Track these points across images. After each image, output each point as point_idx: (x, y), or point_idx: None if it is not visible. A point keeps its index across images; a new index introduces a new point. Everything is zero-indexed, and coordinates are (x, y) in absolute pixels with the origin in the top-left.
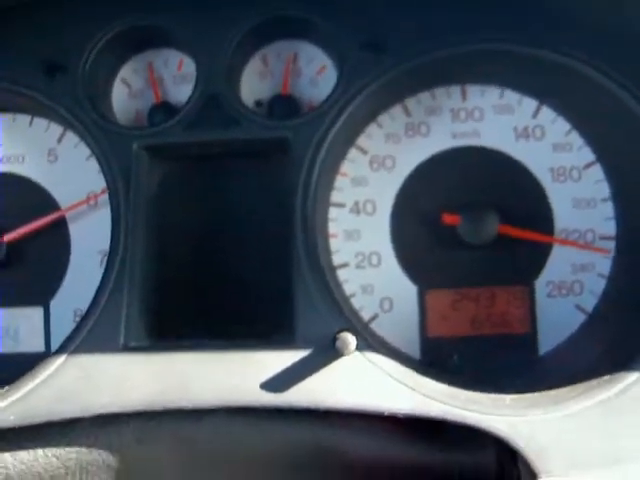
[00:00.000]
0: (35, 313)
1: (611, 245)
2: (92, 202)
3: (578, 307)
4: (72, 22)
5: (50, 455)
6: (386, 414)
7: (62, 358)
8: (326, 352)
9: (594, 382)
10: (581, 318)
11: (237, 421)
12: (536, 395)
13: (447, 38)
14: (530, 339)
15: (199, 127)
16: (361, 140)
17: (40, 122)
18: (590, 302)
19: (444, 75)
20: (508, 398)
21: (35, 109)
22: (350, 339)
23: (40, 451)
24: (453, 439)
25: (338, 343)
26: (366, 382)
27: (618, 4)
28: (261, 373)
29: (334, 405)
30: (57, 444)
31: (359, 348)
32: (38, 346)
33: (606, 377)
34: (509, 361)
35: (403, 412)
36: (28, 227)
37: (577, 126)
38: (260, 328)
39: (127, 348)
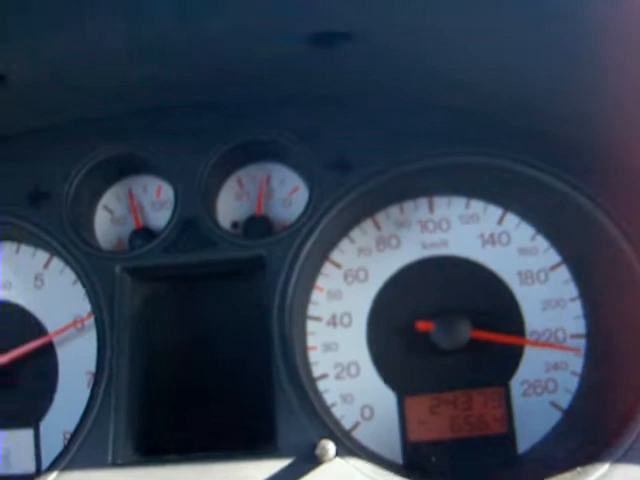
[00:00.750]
0: (25, 435)
1: (582, 343)
2: (79, 325)
3: (553, 404)
4: (54, 152)
5: None
6: None
7: (50, 478)
8: (307, 460)
9: (567, 475)
10: (557, 415)
11: None
12: None
13: (409, 155)
14: (508, 438)
15: (178, 249)
16: (334, 255)
17: (26, 249)
18: (565, 399)
19: (411, 189)
20: None
21: (21, 236)
22: (329, 445)
23: None
24: None
25: (317, 450)
26: None
27: (581, 118)
28: None
29: None
30: None
31: (340, 454)
32: (29, 467)
33: (578, 469)
34: (489, 461)
35: None
36: (16, 352)
37: (541, 230)
38: (244, 440)
39: (115, 465)
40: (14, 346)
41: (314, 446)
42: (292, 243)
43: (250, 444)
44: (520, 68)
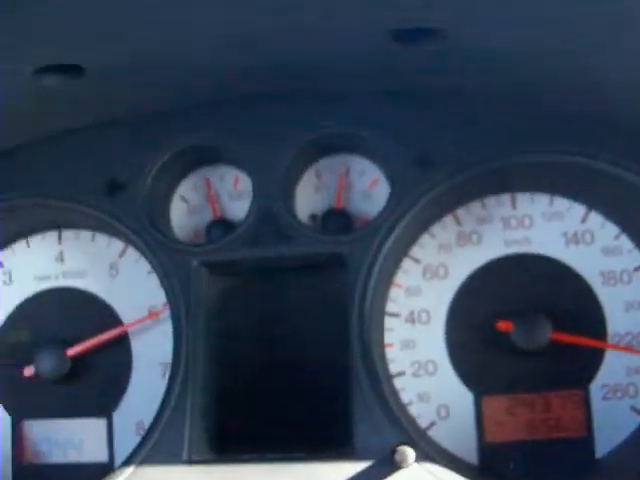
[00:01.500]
0: (99, 424)
1: None
2: (152, 313)
3: (634, 409)
4: (132, 142)
5: None
6: None
7: (127, 473)
8: (385, 464)
9: None
10: (637, 420)
11: None
12: None
13: (493, 150)
14: (587, 442)
15: (256, 243)
16: (414, 251)
17: (102, 238)
18: None
19: (493, 185)
20: None
21: (97, 226)
22: (408, 452)
23: None
24: None
25: (397, 456)
26: None
27: None
28: None
29: None
30: None
31: (417, 459)
32: (101, 457)
33: None
34: (566, 465)
35: None
36: (91, 342)
37: (626, 230)
38: (320, 440)
39: (190, 462)
40: (89, 335)
41: (391, 448)
42: (373, 241)
43: (326, 444)
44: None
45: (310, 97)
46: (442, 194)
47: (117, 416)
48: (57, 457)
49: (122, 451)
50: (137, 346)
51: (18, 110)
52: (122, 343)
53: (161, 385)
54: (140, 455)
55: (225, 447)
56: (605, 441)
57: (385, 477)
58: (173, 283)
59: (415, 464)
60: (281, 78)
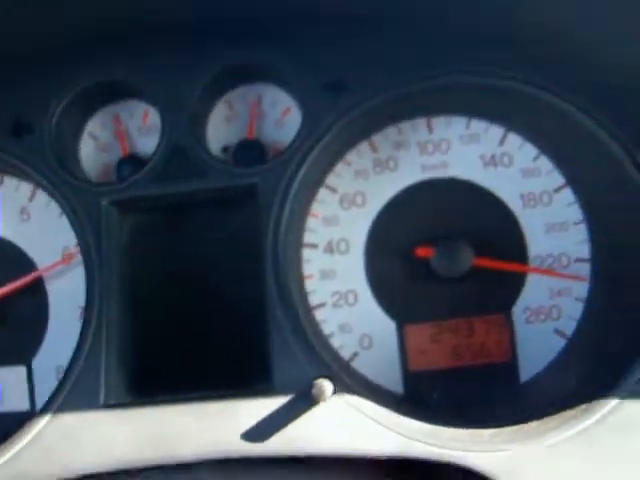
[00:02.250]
0: (18, 372)
1: (586, 268)
2: (65, 256)
3: (557, 331)
4: (36, 80)
5: None
6: (369, 457)
7: (45, 419)
8: (304, 399)
9: (572, 412)
10: (561, 343)
11: (222, 472)
12: (515, 428)
13: (407, 74)
14: (511, 367)
15: (167, 179)
16: (330, 179)
17: (11, 181)
18: (569, 326)
19: (409, 109)
20: (487, 433)
21: (5, 169)
22: (326, 385)
23: None
24: (437, 477)
25: (314, 390)
26: (347, 426)
27: (584, 40)
28: (241, 424)
29: (316, 451)
30: None
31: (338, 391)
32: (23, 405)
33: (584, 406)
34: (491, 391)
35: (385, 454)
36: (6, 288)
37: (545, 151)
38: (239, 377)
39: (108, 406)
40: (2, 281)
41: (311, 383)
42: (285, 170)
43: (245, 381)
44: None
45: (217, 26)
46: (355, 119)
47: (36, 362)
48: None
49: (43, 398)
50: (53, 290)
51: None
52: (37, 288)
53: (79, 328)
54: (57, 401)
55: (143, 389)
56: (529, 365)
57: (305, 412)
58: (83, 224)
59: (334, 397)
60: (187, 7)
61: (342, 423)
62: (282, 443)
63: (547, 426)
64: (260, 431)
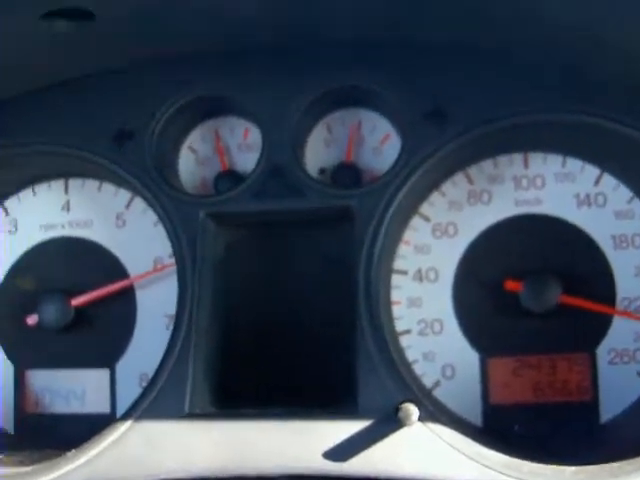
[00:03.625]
0: (101, 375)
1: None
2: (158, 267)
3: None
4: (141, 91)
5: None
6: None
7: (128, 424)
8: (388, 422)
9: None
10: None
11: None
12: (597, 467)
13: (509, 108)
14: (592, 407)
15: (265, 196)
16: (424, 208)
17: (109, 187)
18: None
19: (506, 143)
20: (569, 470)
21: (104, 175)
22: (412, 410)
23: None
24: None
25: (400, 414)
26: (428, 452)
27: None
28: (324, 442)
29: (396, 475)
30: None
31: (421, 418)
32: (104, 408)
33: None
34: (571, 429)
35: None
36: (96, 293)
37: (639, 194)
38: (324, 396)
39: (192, 415)
40: (94, 285)
41: (395, 406)
42: (383, 195)
43: (330, 401)
44: None
45: (323, 49)
46: (454, 150)
47: (120, 367)
48: (59, 407)
49: (124, 402)
50: (142, 297)
51: (28, 56)
52: (127, 294)
53: (165, 337)
54: (141, 407)
55: (227, 402)
56: (610, 406)
57: (388, 435)
58: (180, 234)
59: (419, 423)
60: (296, 29)
61: (424, 449)
62: (363, 464)
63: (630, 467)
64: (342, 451)
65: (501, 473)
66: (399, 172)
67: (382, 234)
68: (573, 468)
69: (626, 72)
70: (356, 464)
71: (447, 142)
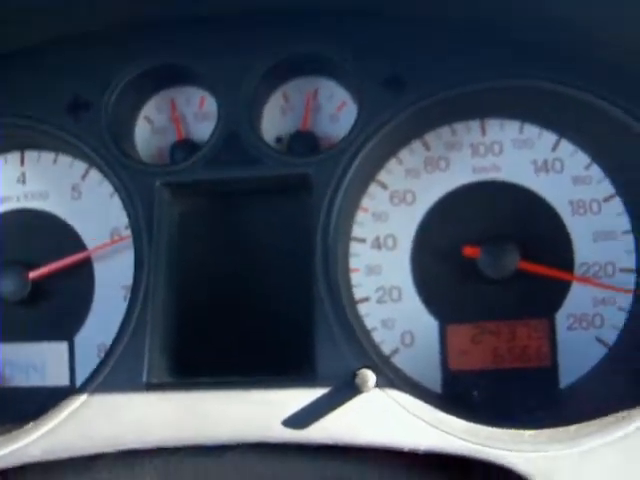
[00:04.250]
0: (60, 348)
1: (631, 278)
2: (116, 238)
3: (599, 340)
4: (95, 61)
5: None
6: (406, 450)
7: (85, 395)
8: (346, 389)
9: (611, 419)
10: (602, 351)
11: (258, 458)
12: (555, 431)
13: (466, 74)
14: (551, 372)
15: (220, 164)
16: (381, 175)
17: (64, 159)
18: (611, 335)
19: (463, 110)
20: (527, 434)
21: (59, 146)
22: (370, 376)
23: None
24: (473, 475)
25: (357, 380)
26: (386, 418)
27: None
28: (281, 410)
29: (354, 441)
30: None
31: (379, 384)
32: (63, 380)
33: (624, 413)
34: (530, 394)
35: (423, 448)
36: (54, 265)
37: (596, 159)
38: (281, 364)
39: (149, 385)
40: (51, 257)
41: (353, 373)
42: (339, 162)
43: (288, 369)
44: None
45: (279, 17)
46: (411, 117)
47: (79, 340)
48: (19, 380)
49: (84, 375)
50: (99, 269)
51: None
52: (84, 266)
53: (123, 309)
54: (99, 378)
55: (185, 371)
56: (569, 371)
57: (345, 401)
58: (135, 204)
59: (376, 389)
60: None
61: (382, 415)
62: (321, 432)
63: (586, 430)
64: (300, 419)
65: (459, 438)
66: (355, 139)
67: (339, 201)
68: (531, 431)
69: (582, 38)
70: (314, 432)
71: (404, 109)
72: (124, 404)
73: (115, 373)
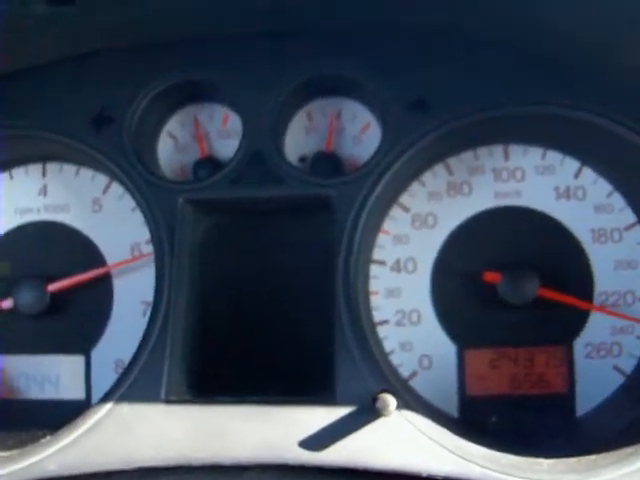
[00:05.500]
0: (77, 361)
1: None
2: (136, 255)
3: (616, 368)
4: (120, 75)
5: None
6: (425, 476)
7: (104, 410)
8: (366, 412)
9: (631, 449)
10: (620, 380)
11: (277, 478)
12: (573, 460)
13: (490, 99)
14: (568, 400)
15: (244, 183)
16: (404, 198)
17: (86, 172)
18: (629, 364)
19: (487, 135)
20: (545, 463)
21: (82, 160)
22: (390, 400)
23: None
24: None
25: (378, 404)
26: (405, 443)
27: None
28: (300, 431)
29: (373, 465)
30: None
31: (398, 408)
32: (78, 394)
33: None
34: (547, 421)
35: (442, 475)
36: (73, 279)
37: (618, 187)
38: (301, 385)
39: (168, 402)
40: (70, 270)
41: (373, 397)
42: (363, 185)
43: (307, 390)
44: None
45: (304, 37)
46: (435, 141)
47: (95, 353)
48: (34, 393)
49: (100, 389)
50: (118, 284)
51: (6, 39)
52: (104, 280)
53: (141, 324)
54: (117, 393)
55: (204, 388)
56: (586, 399)
57: (365, 425)
58: (158, 220)
59: (396, 413)
60: (277, 16)
61: (401, 440)
62: (340, 454)
63: (605, 461)
64: (318, 440)
65: (479, 465)
66: (379, 162)
67: (361, 224)
68: (550, 460)
69: (607, 66)
70: (332, 454)
71: (428, 132)
72: (142, 420)
73: (133, 388)
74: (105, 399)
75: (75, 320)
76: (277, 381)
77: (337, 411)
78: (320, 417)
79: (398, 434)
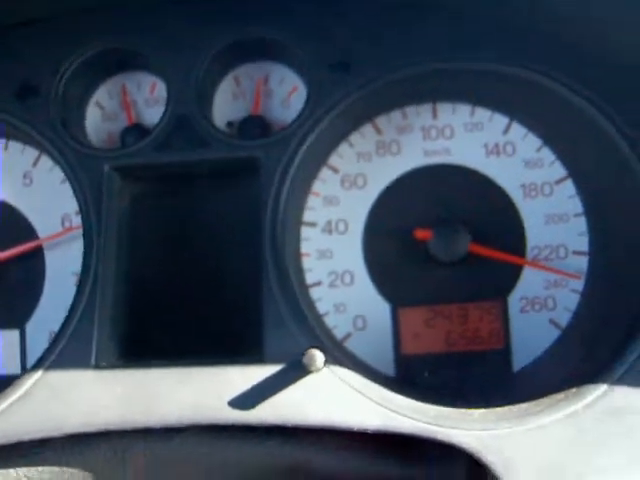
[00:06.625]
0: (11, 336)
1: (584, 260)
2: (67, 227)
3: (552, 322)
4: (44, 45)
5: (22, 475)
6: (355, 430)
7: (34, 378)
8: (295, 369)
9: (562, 395)
10: (555, 333)
11: (209, 439)
12: (504, 409)
13: (413, 57)
14: (504, 355)
15: (170, 148)
16: (332, 159)
17: (15, 145)
18: (564, 317)
19: (414, 93)
20: (476, 413)
21: (10, 133)
22: (317, 355)
23: (12, 471)
24: (424, 454)
25: (305, 359)
26: (335, 398)
27: (588, 24)
28: (229, 391)
29: (303, 421)
30: (29, 464)
31: (330, 365)
32: (14, 368)
33: (573, 390)
34: (484, 377)
35: (372, 428)
36: (4, 254)
37: (548, 142)
38: (230, 346)
39: (98, 368)
40: (1, 245)
41: (302, 355)
42: (288, 145)
43: (236, 351)
44: None
45: (229, 2)
46: (360, 100)
47: (30, 327)
48: None
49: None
50: (50, 256)
51: None
52: (35, 254)
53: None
54: (47, 361)
55: (134, 354)
56: (523, 354)
57: (295, 381)
58: (85, 189)
59: (326, 369)
60: None
61: (331, 395)
62: (269, 412)
63: (536, 408)
64: (248, 399)
65: (408, 417)
66: (304, 122)
67: (288, 185)
68: (481, 410)
69: (533, 18)
70: (262, 412)
71: (351, 92)
72: (72, 387)
73: (63, 356)
74: (35, 367)
75: (8, 294)
76: (208, 344)
77: (266, 369)
78: (249, 376)
79: (327, 390)
